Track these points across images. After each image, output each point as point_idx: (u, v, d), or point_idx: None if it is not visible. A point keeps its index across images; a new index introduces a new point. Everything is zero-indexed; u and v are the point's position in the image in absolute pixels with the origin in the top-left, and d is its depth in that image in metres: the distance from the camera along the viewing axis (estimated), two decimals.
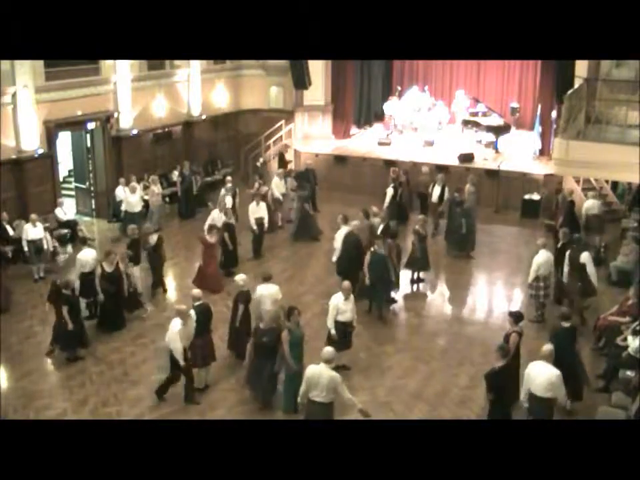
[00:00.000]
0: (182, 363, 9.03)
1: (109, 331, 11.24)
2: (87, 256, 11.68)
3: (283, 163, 19.12)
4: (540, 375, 7.68)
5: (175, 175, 18.24)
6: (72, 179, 18.38)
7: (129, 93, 17.51)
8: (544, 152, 18.68)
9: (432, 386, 9.88)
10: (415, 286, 13.30)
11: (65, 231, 15.46)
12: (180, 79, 19.68)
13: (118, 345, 11.02)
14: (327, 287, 12.69)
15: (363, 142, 21.38)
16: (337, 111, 21.57)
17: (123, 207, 15.71)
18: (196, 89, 20.05)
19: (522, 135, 20.85)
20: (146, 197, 16.35)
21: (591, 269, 11.11)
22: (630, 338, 9.48)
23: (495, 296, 13.38)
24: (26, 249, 13.49)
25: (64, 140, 17.68)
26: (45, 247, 13.60)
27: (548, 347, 7.86)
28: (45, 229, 13.88)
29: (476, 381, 9.58)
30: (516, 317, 9.09)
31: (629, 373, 8.98)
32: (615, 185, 17.50)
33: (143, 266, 12.63)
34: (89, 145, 17.31)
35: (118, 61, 16.87)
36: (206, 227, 13.53)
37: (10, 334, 11.21)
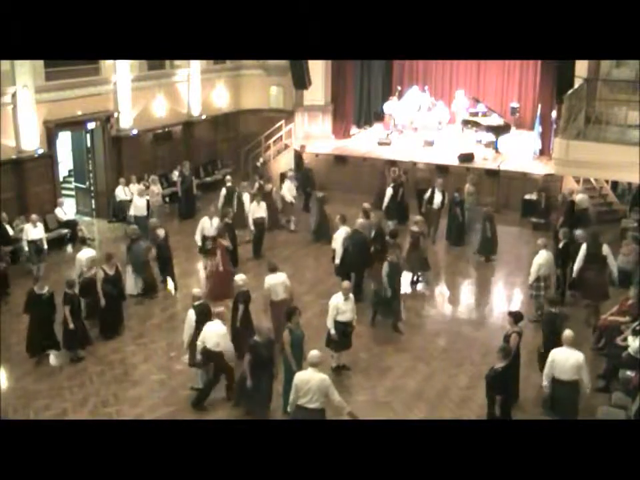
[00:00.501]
0: (232, 364, 8.86)
1: (110, 336, 11.20)
2: (87, 256, 11.67)
3: (300, 163, 18.97)
4: (568, 360, 8.05)
5: (175, 175, 18.23)
6: (72, 179, 18.39)
7: (128, 92, 17.51)
8: (544, 152, 18.68)
9: (432, 386, 9.88)
10: (415, 286, 13.30)
11: (65, 230, 15.47)
12: (180, 79, 19.68)
13: (118, 345, 11.03)
14: (326, 287, 12.69)
15: (363, 142, 21.38)
16: (336, 111, 21.56)
17: (132, 212, 15.36)
18: (196, 88, 20.05)
19: (522, 135, 20.84)
20: (146, 197, 16.31)
21: (612, 261, 11.47)
22: (630, 338, 9.48)
23: (495, 296, 13.38)
24: (26, 248, 13.51)
25: (64, 140, 17.68)
26: (45, 247, 13.64)
27: (570, 332, 8.26)
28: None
29: (476, 381, 9.58)
30: (516, 317, 9.10)
31: (628, 372, 8.97)
32: (615, 184, 17.51)
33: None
34: (89, 145, 17.33)
35: (118, 61, 16.88)
36: (197, 236, 13.40)
37: (10, 334, 11.22)
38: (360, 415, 7.62)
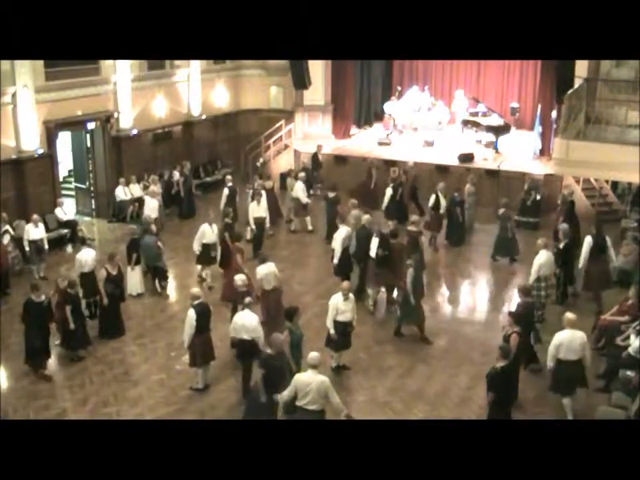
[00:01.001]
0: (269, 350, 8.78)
1: (111, 337, 11.18)
2: (86, 256, 11.68)
3: (317, 163, 18.91)
4: (574, 340, 8.56)
5: (176, 175, 18.21)
6: (72, 179, 18.39)
7: (128, 93, 17.51)
8: (544, 152, 18.67)
9: (432, 386, 9.87)
10: None
11: (65, 231, 15.47)
12: (180, 79, 19.69)
13: (118, 345, 11.02)
14: (327, 287, 12.68)
15: (363, 142, 21.38)
16: (336, 111, 21.55)
17: (146, 212, 15.07)
18: (196, 89, 20.06)
19: (522, 135, 20.83)
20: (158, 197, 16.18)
21: (612, 251, 11.98)
22: (630, 338, 9.47)
23: (495, 296, 13.37)
24: (27, 248, 13.51)
25: (64, 140, 17.68)
26: (46, 247, 13.64)
27: (571, 315, 8.79)
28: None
29: (476, 380, 9.58)
30: (515, 317, 9.10)
31: (629, 372, 8.96)
32: (615, 184, 17.50)
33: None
34: (88, 145, 17.32)
35: (118, 61, 16.88)
36: (195, 245, 12.93)
37: (10, 334, 11.22)
38: (360, 415, 7.64)
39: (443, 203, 15.08)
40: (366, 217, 12.70)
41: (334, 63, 20.85)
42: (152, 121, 18.67)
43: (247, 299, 9.50)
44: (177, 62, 19.30)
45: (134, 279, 12.68)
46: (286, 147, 21.03)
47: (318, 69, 20.37)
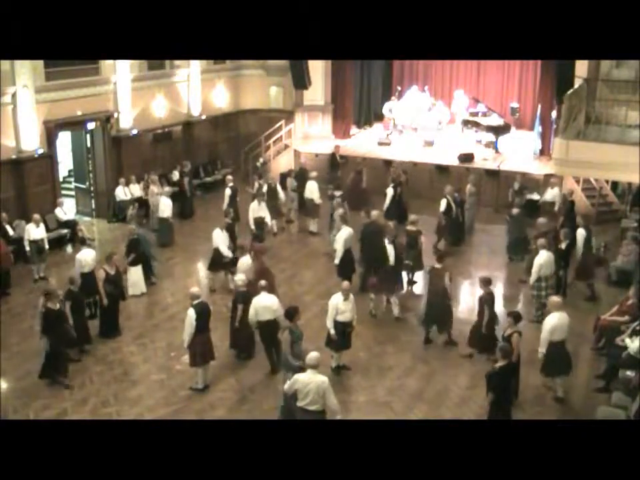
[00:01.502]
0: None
1: (110, 336, 11.19)
2: (86, 256, 11.67)
3: (335, 164, 18.79)
4: (565, 322, 9.18)
5: (176, 175, 18.22)
6: (72, 179, 18.40)
7: (128, 92, 17.51)
8: (544, 152, 18.69)
9: (432, 386, 9.88)
10: (411, 286, 13.29)
11: (65, 231, 15.47)
12: (180, 79, 19.68)
13: (118, 345, 11.03)
14: (327, 287, 12.69)
15: (363, 142, 21.38)
16: (336, 111, 21.56)
17: (161, 214, 15.20)
18: (196, 88, 20.05)
19: (522, 134, 20.84)
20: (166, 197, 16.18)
21: (593, 243, 12.93)
22: (630, 338, 9.48)
23: (495, 296, 13.32)
24: (27, 248, 13.51)
25: (64, 140, 17.69)
26: (47, 247, 13.64)
27: (557, 298, 9.56)
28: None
29: (476, 380, 9.59)
30: (516, 317, 9.11)
31: (628, 372, 8.98)
32: (615, 184, 17.50)
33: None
34: (88, 145, 17.32)
35: (118, 61, 16.88)
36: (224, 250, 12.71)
37: (10, 334, 11.21)
38: (360, 415, 7.62)
39: (453, 207, 14.76)
40: (374, 212, 12.83)
41: (334, 63, 20.87)
42: (152, 121, 18.67)
43: (262, 282, 9.99)
44: (177, 62, 19.30)
45: (134, 279, 12.67)
46: (286, 147, 21.03)
47: (318, 69, 20.39)
